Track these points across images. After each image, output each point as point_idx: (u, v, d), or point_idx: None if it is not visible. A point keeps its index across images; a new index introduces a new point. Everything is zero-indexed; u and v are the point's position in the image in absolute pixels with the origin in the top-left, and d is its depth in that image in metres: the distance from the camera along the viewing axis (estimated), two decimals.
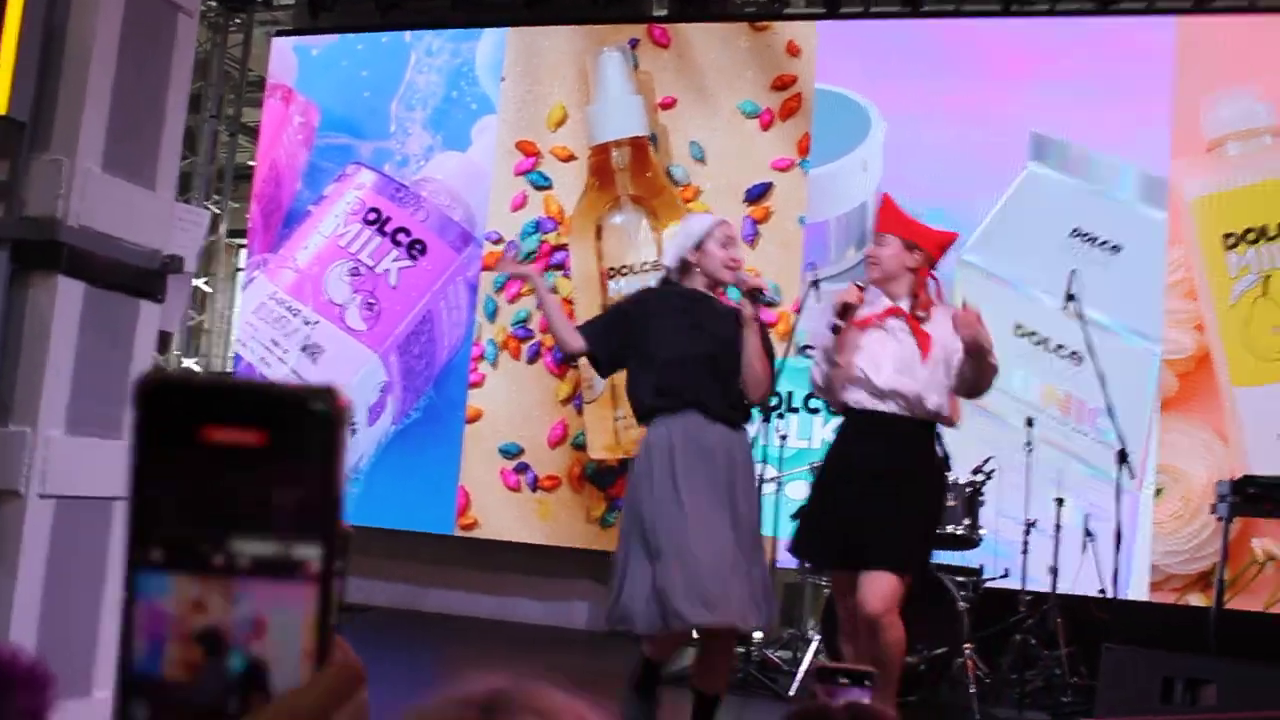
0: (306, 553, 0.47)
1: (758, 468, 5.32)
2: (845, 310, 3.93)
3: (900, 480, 3.90)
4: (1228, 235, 6.55)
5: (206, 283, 8.92)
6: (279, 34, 8.64)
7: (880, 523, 3.81)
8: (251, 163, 9.61)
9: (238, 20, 8.86)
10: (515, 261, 3.87)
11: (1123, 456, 5.51)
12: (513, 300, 7.68)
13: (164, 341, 8.72)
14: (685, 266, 4.01)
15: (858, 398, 3.98)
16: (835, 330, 3.93)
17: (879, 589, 3.79)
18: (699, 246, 3.98)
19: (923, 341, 3.94)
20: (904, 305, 4.01)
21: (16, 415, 2.32)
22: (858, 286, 3.99)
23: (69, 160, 2.36)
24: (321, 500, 0.47)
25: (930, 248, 4.10)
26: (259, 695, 0.47)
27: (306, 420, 0.47)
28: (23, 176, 2.35)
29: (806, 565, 5.43)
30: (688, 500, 3.69)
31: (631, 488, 3.87)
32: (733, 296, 4.10)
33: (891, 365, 3.93)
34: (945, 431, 4.27)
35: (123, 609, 0.48)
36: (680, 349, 3.84)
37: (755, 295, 3.87)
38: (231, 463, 0.46)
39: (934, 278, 4.12)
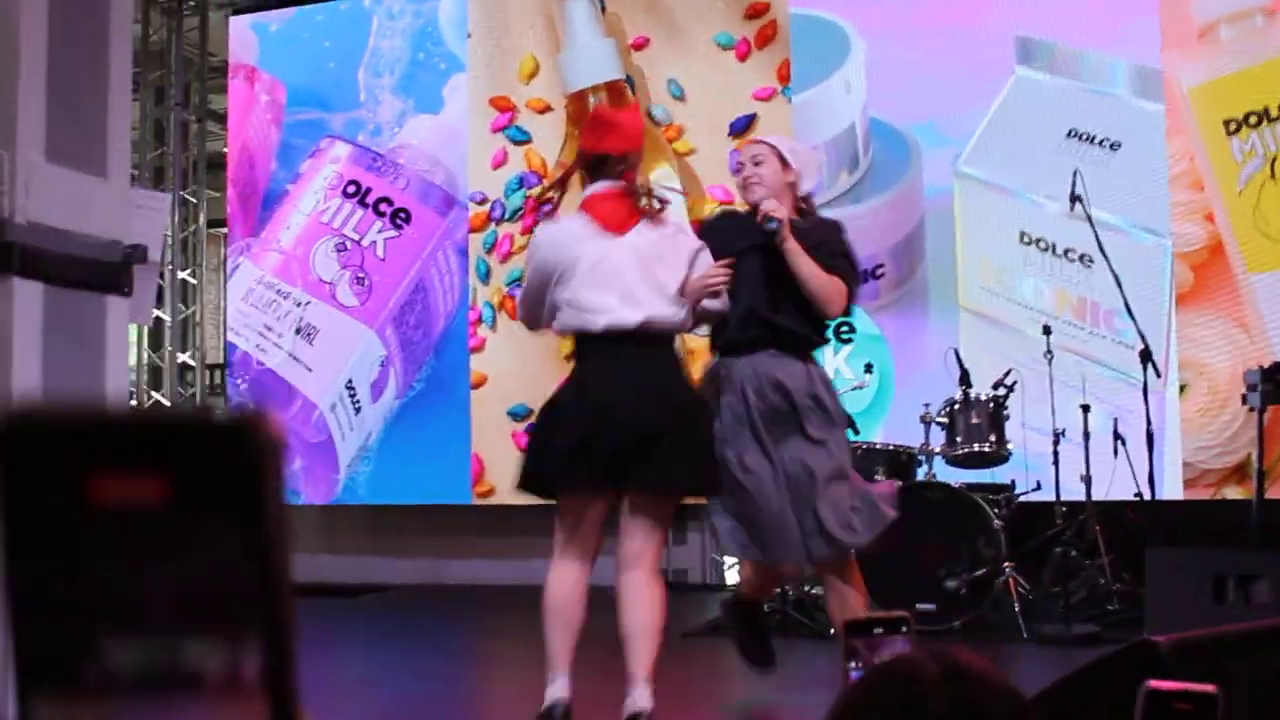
0: (225, 656, 0.30)
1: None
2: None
3: None
4: (1229, 121, 6.35)
5: (192, 274, 8.73)
6: (235, 13, 8.40)
7: None
8: (223, 149, 9.40)
9: (191, 4, 8.62)
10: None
11: (1146, 355, 5.36)
12: (505, 259, 7.50)
13: (156, 337, 8.56)
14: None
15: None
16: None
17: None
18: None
19: None
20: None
21: None
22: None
23: (8, 154, 2.19)
24: (256, 573, 0.31)
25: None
26: None
27: (224, 458, 0.31)
28: None
29: None
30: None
31: None
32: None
33: None
34: (963, 348, 4.14)
35: None
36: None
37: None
38: (127, 526, 0.31)
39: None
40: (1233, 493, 6.17)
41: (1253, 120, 6.31)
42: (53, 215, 2.27)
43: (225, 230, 9.19)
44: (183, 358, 8.57)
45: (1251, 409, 5.18)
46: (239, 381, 8.01)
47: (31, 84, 2.23)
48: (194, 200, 8.70)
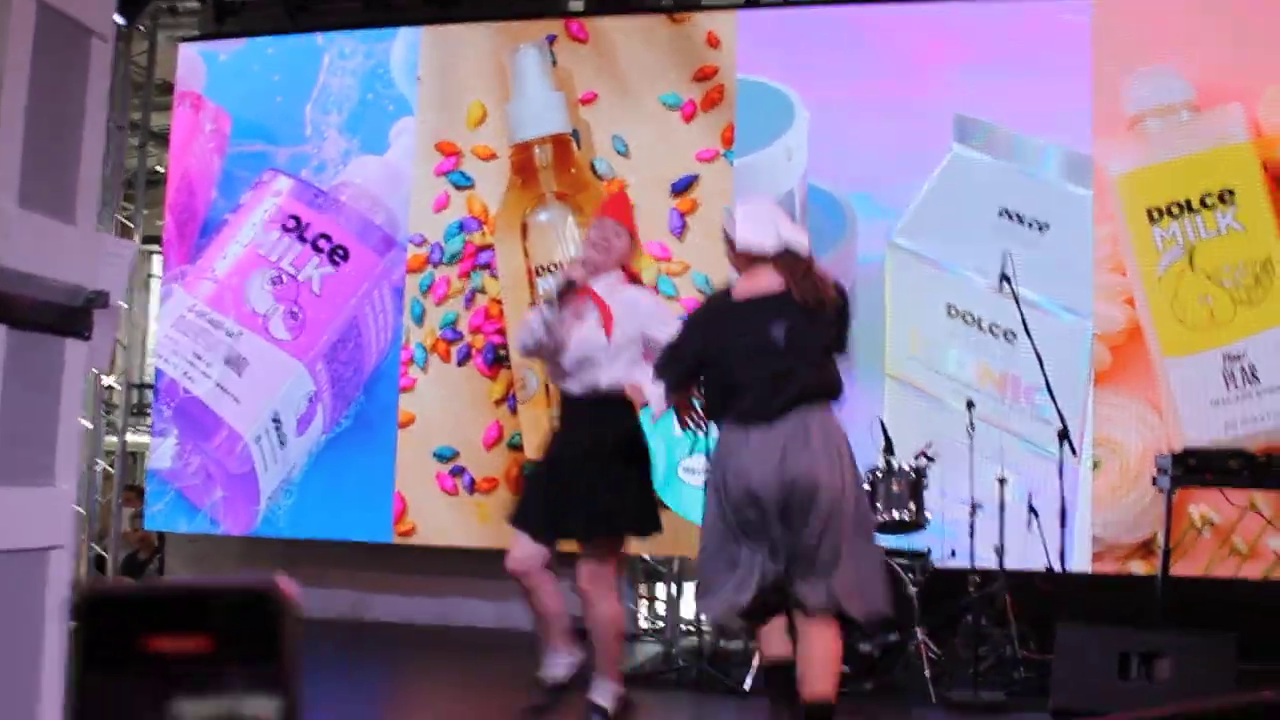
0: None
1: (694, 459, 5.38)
2: (569, 287, 4.14)
3: (590, 459, 4.13)
4: (1152, 209, 6.61)
5: (125, 297, 8.67)
6: (185, 40, 8.41)
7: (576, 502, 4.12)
8: (160, 168, 9.35)
9: (142, 28, 8.60)
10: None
11: (1064, 435, 5.54)
12: (440, 302, 7.55)
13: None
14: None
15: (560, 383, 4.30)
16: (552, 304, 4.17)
17: (583, 566, 4.12)
18: None
19: (606, 320, 4.15)
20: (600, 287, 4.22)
21: None
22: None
23: None
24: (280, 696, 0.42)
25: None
26: None
27: (252, 617, 0.42)
28: None
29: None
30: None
31: None
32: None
33: (575, 347, 4.18)
34: (887, 415, 4.34)
35: None
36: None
37: None
38: (178, 670, 0.41)
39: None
40: (1138, 567, 6.37)
41: (1174, 210, 6.56)
42: (21, 260, 2.31)
43: (156, 248, 9.13)
44: (108, 381, 8.49)
45: (1161, 490, 5.38)
46: (164, 409, 7.96)
47: (8, 134, 2.28)
48: (130, 224, 8.65)
